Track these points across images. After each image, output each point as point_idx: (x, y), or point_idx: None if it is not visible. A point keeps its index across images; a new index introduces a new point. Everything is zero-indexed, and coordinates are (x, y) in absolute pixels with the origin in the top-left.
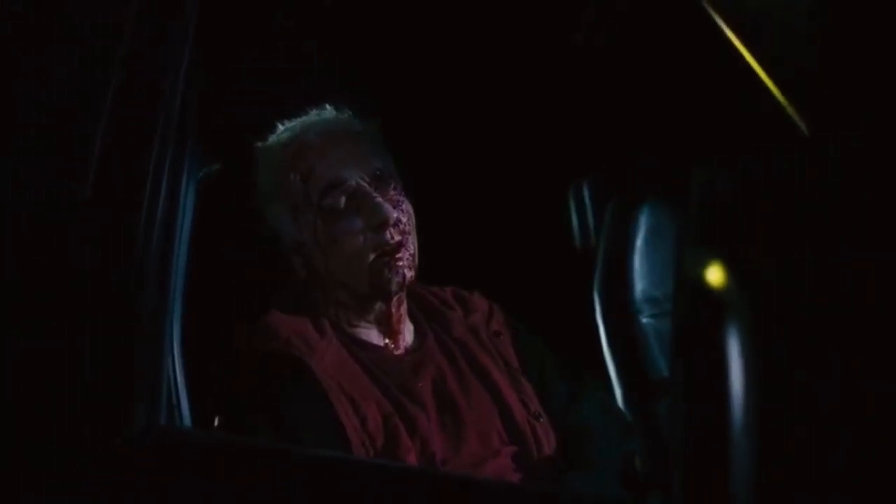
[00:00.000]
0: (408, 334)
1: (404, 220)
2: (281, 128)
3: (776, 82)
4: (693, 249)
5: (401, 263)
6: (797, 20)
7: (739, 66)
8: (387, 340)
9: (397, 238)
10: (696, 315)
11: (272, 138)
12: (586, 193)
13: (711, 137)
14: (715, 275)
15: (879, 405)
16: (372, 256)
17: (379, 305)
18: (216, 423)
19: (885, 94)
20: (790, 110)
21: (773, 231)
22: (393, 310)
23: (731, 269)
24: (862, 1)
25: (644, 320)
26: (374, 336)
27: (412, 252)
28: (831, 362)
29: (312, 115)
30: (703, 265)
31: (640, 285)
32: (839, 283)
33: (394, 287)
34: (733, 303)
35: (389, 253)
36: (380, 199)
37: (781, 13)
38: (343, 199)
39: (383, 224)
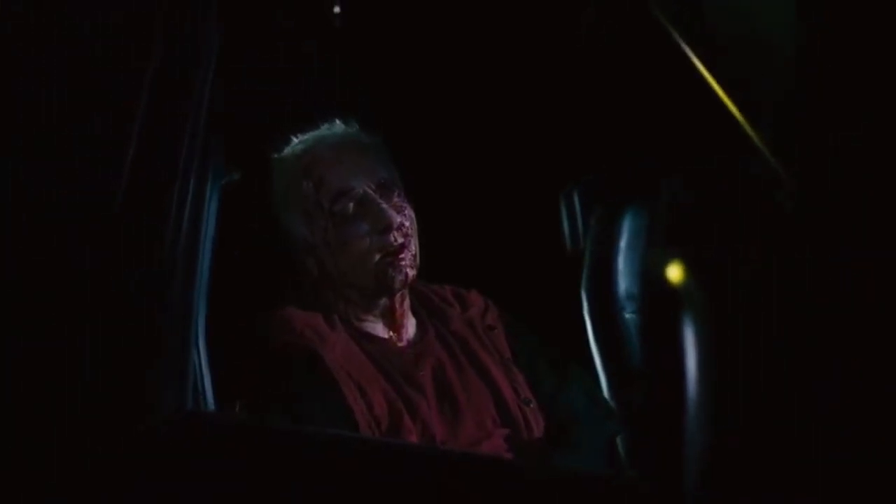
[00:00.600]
0: (410, 328)
1: (406, 224)
2: (295, 141)
3: (736, 103)
4: (657, 250)
5: (403, 263)
6: (762, 47)
7: (704, 93)
8: (391, 333)
9: (400, 240)
10: (659, 306)
11: (287, 150)
12: (576, 200)
13: (679, 154)
14: (675, 272)
15: (812, 379)
16: (377, 257)
17: (384, 301)
18: (237, 407)
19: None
20: (749, 131)
21: (725, 234)
22: (396, 305)
23: (688, 266)
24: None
25: (627, 316)
26: (379, 329)
27: (414, 253)
28: (773, 344)
29: (324, 130)
30: (665, 263)
31: (623, 284)
32: (778, 278)
33: (397, 285)
34: (690, 295)
35: (393, 254)
36: (385, 205)
37: (744, 38)
38: (351, 205)
39: (387, 228)
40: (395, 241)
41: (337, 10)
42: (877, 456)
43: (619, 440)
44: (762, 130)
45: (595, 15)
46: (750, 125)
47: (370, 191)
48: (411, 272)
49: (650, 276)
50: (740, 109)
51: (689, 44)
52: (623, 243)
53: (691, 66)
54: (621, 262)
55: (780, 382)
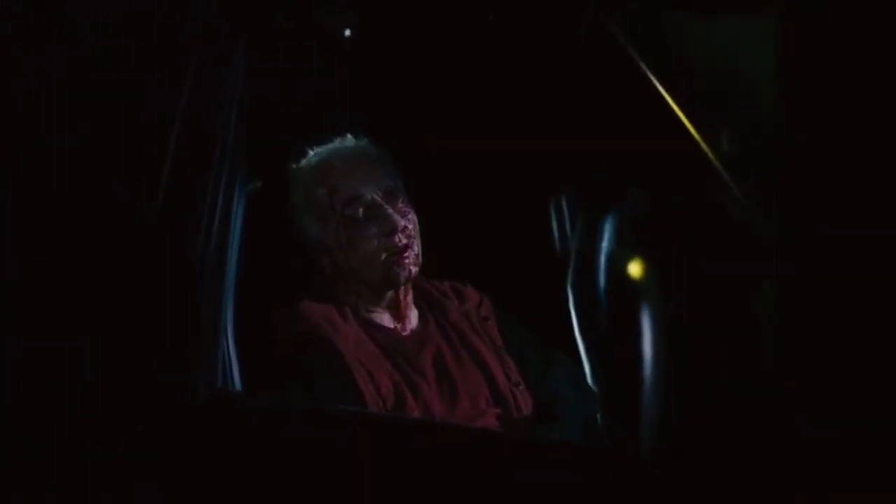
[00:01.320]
0: (413, 318)
1: (410, 227)
2: (311, 153)
3: (700, 133)
4: (621, 249)
5: (407, 261)
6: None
7: (672, 123)
8: (396, 323)
9: (404, 241)
10: (621, 296)
11: (304, 161)
12: (564, 206)
13: (645, 171)
14: (635, 268)
15: (745, 355)
16: (384, 256)
17: (390, 295)
18: (261, 388)
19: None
20: (707, 151)
21: (677, 237)
22: (401, 298)
23: (646, 264)
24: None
25: (605, 308)
26: (385, 320)
27: (416, 252)
28: (713, 328)
29: (337, 143)
30: (627, 261)
31: (602, 280)
32: (718, 275)
33: (401, 280)
34: (646, 288)
35: (398, 253)
36: (391, 211)
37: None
38: (361, 210)
39: (393, 230)
40: (400, 242)
41: (347, 33)
42: (735, 383)
43: (598, 419)
44: (720, 154)
45: (580, 45)
46: (710, 149)
47: (378, 197)
48: (414, 269)
49: (615, 270)
50: (702, 136)
51: (657, 76)
52: (604, 244)
53: (663, 101)
54: (602, 262)
55: (720, 357)
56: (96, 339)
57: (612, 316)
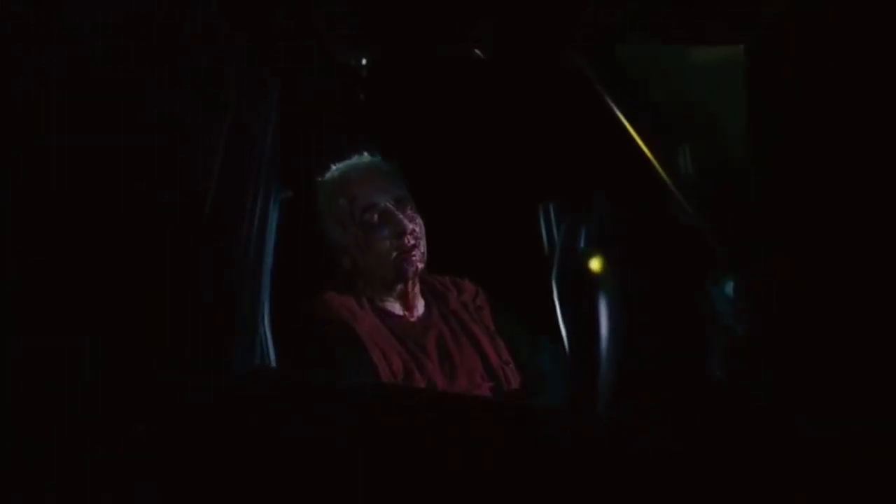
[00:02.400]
0: (419, 307)
1: (417, 229)
2: (333, 168)
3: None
4: (587, 248)
5: (414, 258)
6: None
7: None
8: (405, 311)
9: (412, 242)
10: (585, 286)
11: (327, 175)
12: (551, 212)
13: (609, 186)
14: (596, 263)
15: (683, 330)
16: (394, 254)
17: (399, 287)
18: (292, 365)
19: None
20: (661, 171)
21: (630, 238)
22: (409, 290)
23: (606, 260)
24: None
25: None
26: (396, 308)
27: (422, 251)
28: (659, 310)
29: (354, 159)
30: (591, 257)
31: (578, 274)
32: (664, 268)
33: (409, 275)
34: (605, 280)
35: (407, 252)
36: (401, 216)
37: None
38: (376, 216)
39: (402, 233)
40: (408, 242)
41: (364, 62)
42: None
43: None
44: (672, 172)
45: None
46: (663, 169)
47: (390, 205)
48: (420, 265)
49: (581, 265)
50: (657, 158)
51: (619, 107)
52: (580, 244)
53: (624, 127)
54: (577, 258)
55: (664, 334)
56: (153, 322)
57: (582, 302)
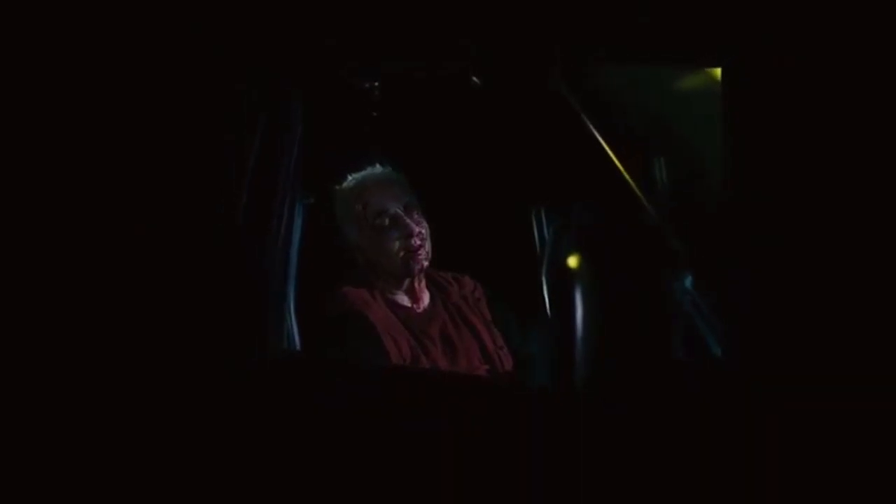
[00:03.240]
0: (425, 299)
1: (423, 232)
2: (349, 178)
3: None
4: (570, 249)
5: (420, 257)
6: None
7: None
8: (412, 303)
9: (418, 243)
10: (568, 281)
11: (345, 184)
12: (543, 216)
13: (591, 196)
14: (577, 262)
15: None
16: (403, 253)
17: (407, 282)
18: (315, 349)
19: None
20: (632, 184)
21: (605, 240)
22: (416, 285)
23: (585, 259)
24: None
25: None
26: (404, 300)
27: (427, 251)
28: (628, 301)
29: (368, 170)
30: (573, 256)
31: (563, 271)
32: (633, 263)
33: (416, 271)
34: (584, 276)
35: (413, 251)
36: (408, 221)
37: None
38: (387, 220)
39: (409, 235)
40: (415, 243)
41: (376, 85)
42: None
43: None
44: (641, 183)
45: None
46: (632, 181)
47: (399, 210)
48: (425, 263)
49: (561, 259)
50: (628, 172)
51: (595, 125)
52: (565, 244)
53: (600, 144)
54: (562, 256)
55: (633, 320)
56: (198, 313)
57: (565, 295)
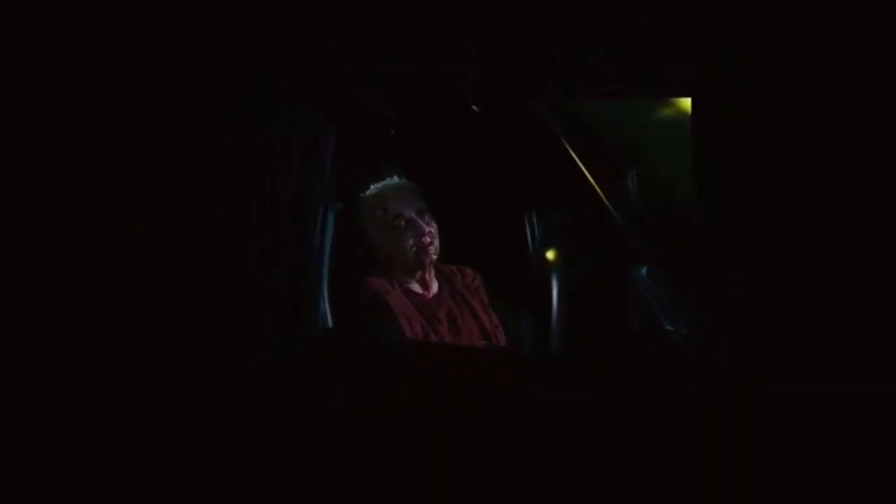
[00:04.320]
0: (434, 288)
1: (432, 231)
2: (372, 187)
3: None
4: (547, 244)
5: (430, 252)
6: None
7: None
8: (423, 291)
9: (428, 241)
10: (543, 268)
11: (368, 191)
12: (534, 219)
13: (569, 204)
14: (551, 253)
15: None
16: (415, 250)
17: (419, 273)
18: (345, 329)
19: None
20: (601, 195)
21: (580, 239)
22: (426, 276)
23: (559, 250)
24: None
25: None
26: (417, 288)
27: (436, 247)
28: (593, 285)
29: (387, 181)
30: (548, 248)
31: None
32: (598, 256)
33: (426, 264)
34: (557, 264)
35: (424, 248)
36: (420, 223)
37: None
38: (402, 222)
39: (421, 234)
40: (426, 241)
41: (392, 114)
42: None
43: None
44: (608, 195)
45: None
46: (602, 192)
47: (413, 214)
48: (434, 257)
49: (542, 253)
50: (599, 186)
51: (573, 147)
52: (548, 241)
53: (574, 161)
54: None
55: (599, 302)
56: (249, 299)
57: (547, 283)
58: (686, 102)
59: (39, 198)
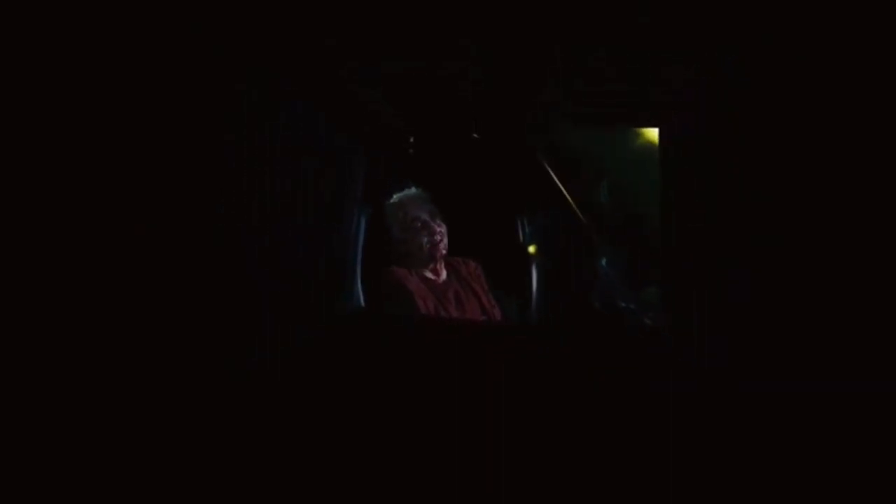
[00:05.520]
0: (443, 275)
1: (442, 230)
2: (395, 196)
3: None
4: (531, 243)
5: (440, 248)
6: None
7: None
8: (435, 277)
9: (438, 238)
10: (525, 262)
11: (392, 199)
12: (525, 223)
13: (548, 210)
14: (532, 248)
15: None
16: (429, 246)
17: (432, 264)
18: (374, 309)
19: None
20: (573, 206)
21: (556, 237)
22: (438, 266)
23: (542, 249)
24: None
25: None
26: (430, 275)
27: (445, 243)
28: (562, 270)
29: (407, 191)
30: (531, 245)
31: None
32: (570, 252)
33: (437, 257)
34: (538, 255)
35: (436, 244)
36: (433, 224)
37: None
38: (419, 224)
39: (433, 234)
40: (437, 238)
41: (411, 140)
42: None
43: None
44: (581, 206)
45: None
46: (574, 203)
47: (427, 217)
48: (444, 251)
49: (526, 248)
50: (573, 199)
51: (552, 168)
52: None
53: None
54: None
55: (568, 283)
56: (300, 282)
57: (530, 272)
58: (648, 131)
59: (40, 198)
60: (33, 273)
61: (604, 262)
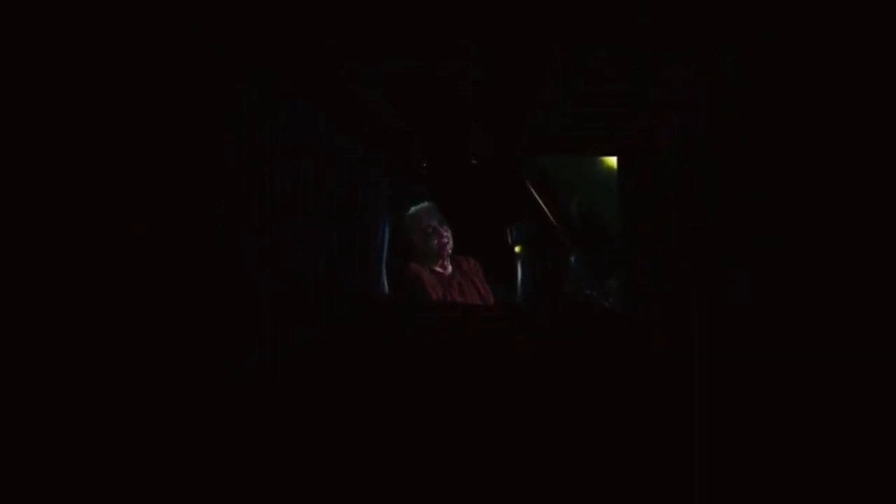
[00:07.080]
0: (449, 269)
1: (449, 235)
2: (411, 208)
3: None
4: (517, 244)
5: (447, 248)
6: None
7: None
8: (443, 271)
9: (445, 241)
10: (513, 259)
11: (410, 211)
12: (514, 230)
13: (530, 219)
14: (518, 249)
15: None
16: (437, 247)
17: (440, 261)
18: (395, 296)
19: None
20: (550, 216)
21: (535, 238)
22: (445, 263)
23: (523, 246)
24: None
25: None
26: (438, 270)
27: (451, 245)
28: (541, 267)
29: (420, 205)
30: (518, 243)
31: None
32: (545, 251)
33: (444, 256)
34: (522, 253)
35: (443, 246)
36: (441, 230)
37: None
38: (430, 230)
39: (441, 238)
40: (444, 241)
41: (424, 165)
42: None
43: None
44: (558, 217)
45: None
46: (551, 214)
47: (436, 225)
48: (450, 251)
49: (513, 245)
50: (549, 209)
51: (538, 194)
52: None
53: (533, 197)
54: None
55: (544, 276)
56: (337, 274)
57: (515, 267)
58: (609, 160)
59: (39, 198)
60: (33, 273)
61: (573, 259)
